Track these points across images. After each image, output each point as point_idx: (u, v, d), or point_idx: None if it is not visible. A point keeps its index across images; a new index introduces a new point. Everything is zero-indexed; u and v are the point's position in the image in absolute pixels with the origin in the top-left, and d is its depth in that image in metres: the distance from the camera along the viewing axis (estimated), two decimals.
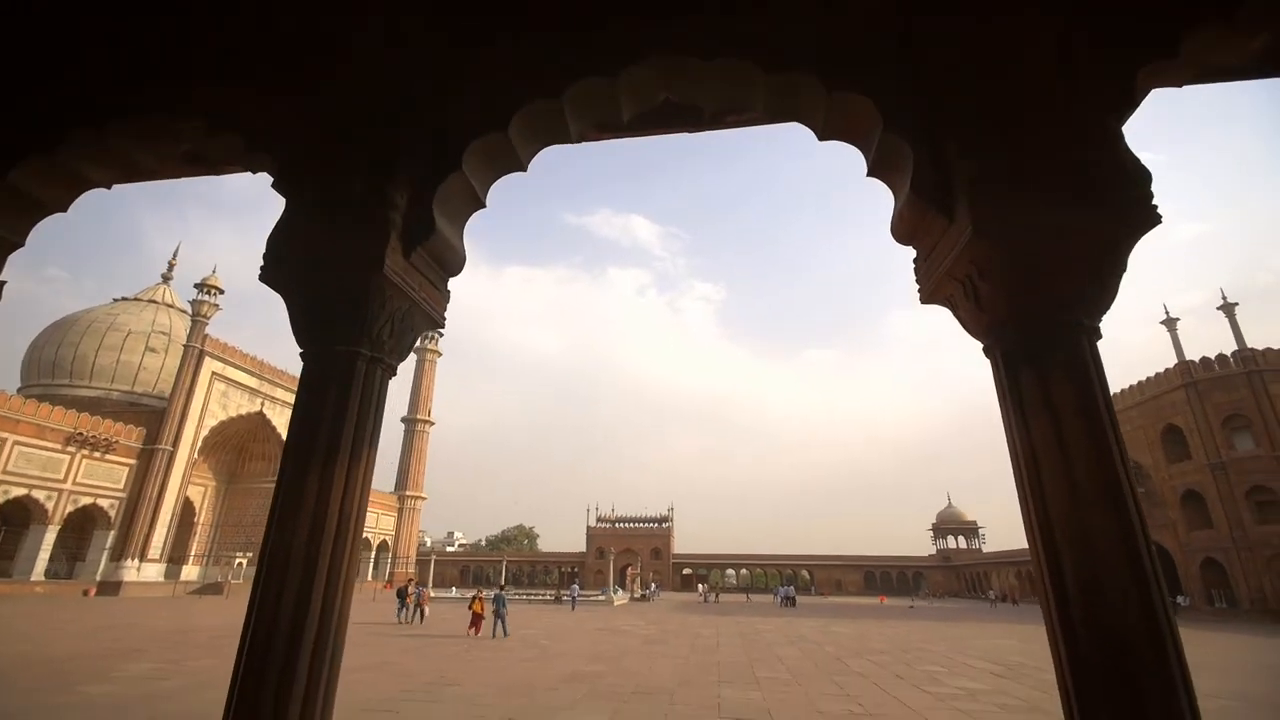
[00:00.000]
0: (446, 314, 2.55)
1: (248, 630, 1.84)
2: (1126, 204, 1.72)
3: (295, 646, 1.79)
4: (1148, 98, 1.98)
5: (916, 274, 2.22)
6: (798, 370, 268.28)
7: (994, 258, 1.78)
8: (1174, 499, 35.94)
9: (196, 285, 43.12)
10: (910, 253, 2.28)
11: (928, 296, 2.16)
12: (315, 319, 2.14)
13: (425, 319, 2.39)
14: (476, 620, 19.34)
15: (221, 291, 43.49)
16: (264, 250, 2.19)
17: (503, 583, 30.98)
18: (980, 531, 75.54)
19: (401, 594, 24.20)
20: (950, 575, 73.55)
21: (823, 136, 2.35)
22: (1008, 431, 1.83)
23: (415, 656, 14.26)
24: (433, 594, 29.59)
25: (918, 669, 13.70)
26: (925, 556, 77.16)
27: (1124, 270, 1.76)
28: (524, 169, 2.55)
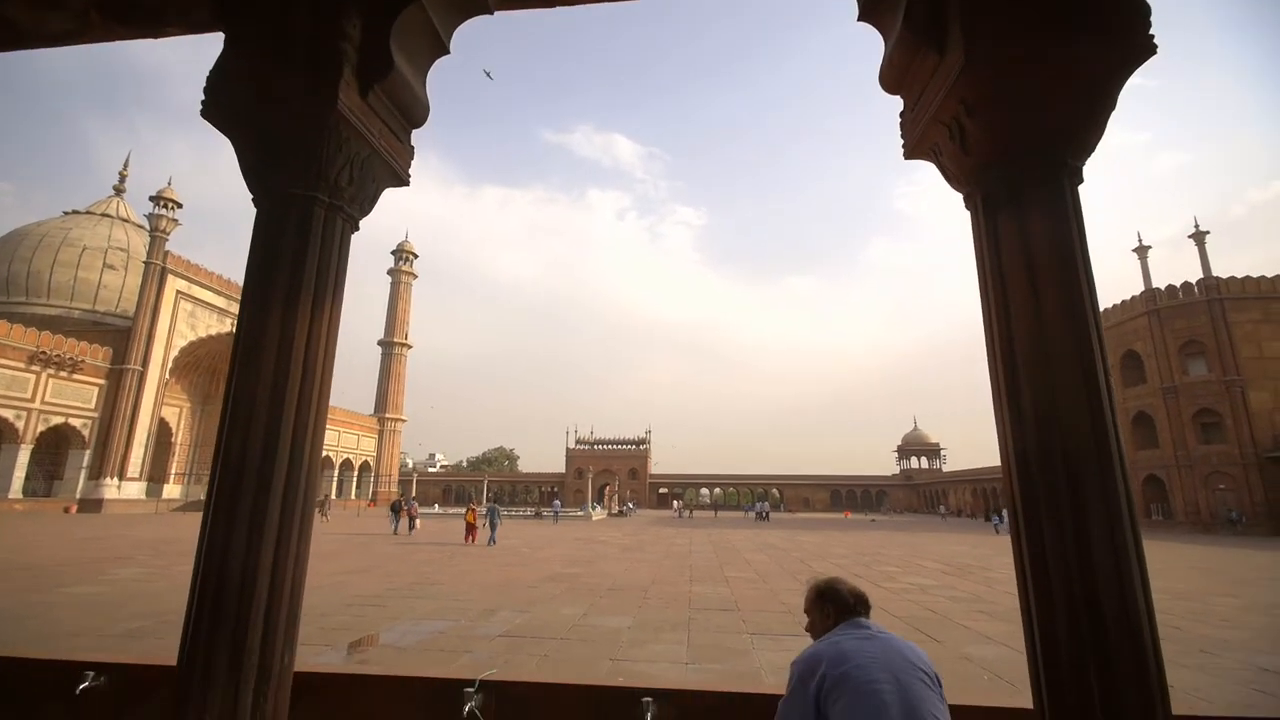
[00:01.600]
0: (410, 171, 2.42)
1: (214, 477, 1.83)
2: (1125, 33, 1.64)
3: (265, 488, 1.79)
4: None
5: (902, 128, 2.14)
6: (775, 297, 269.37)
7: (984, 89, 1.70)
8: (1125, 420, 37.82)
9: (152, 198, 40.70)
10: (893, 136, 2.19)
11: (912, 150, 2.09)
12: (266, 159, 2.00)
13: (387, 171, 2.26)
14: (471, 529, 20.74)
15: (179, 205, 41.21)
16: (204, 86, 2.01)
17: (494, 498, 32.00)
18: (942, 452, 79.24)
19: (395, 508, 25.73)
20: (911, 493, 77.66)
21: None
22: (981, 279, 1.83)
23: (402, 561, 14.80)
24: (420, 510, 30.68)
25: (875, 569, 14.68)
26: (889, 476, 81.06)
27: (1113, 107, 1.71)
28: (490, 11, 2.34)
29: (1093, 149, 1.74)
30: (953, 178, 1.95)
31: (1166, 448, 35.66)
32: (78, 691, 2.48)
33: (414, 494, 51.11)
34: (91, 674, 2.53)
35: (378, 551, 17.09)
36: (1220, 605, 10.33)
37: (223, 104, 1.99)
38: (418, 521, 25.15)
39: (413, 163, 2.42)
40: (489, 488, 65.13)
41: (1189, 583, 13.21)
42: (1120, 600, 1.50)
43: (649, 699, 2.26)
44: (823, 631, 1.85)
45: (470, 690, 2.34)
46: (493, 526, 20.87)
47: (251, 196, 2.03)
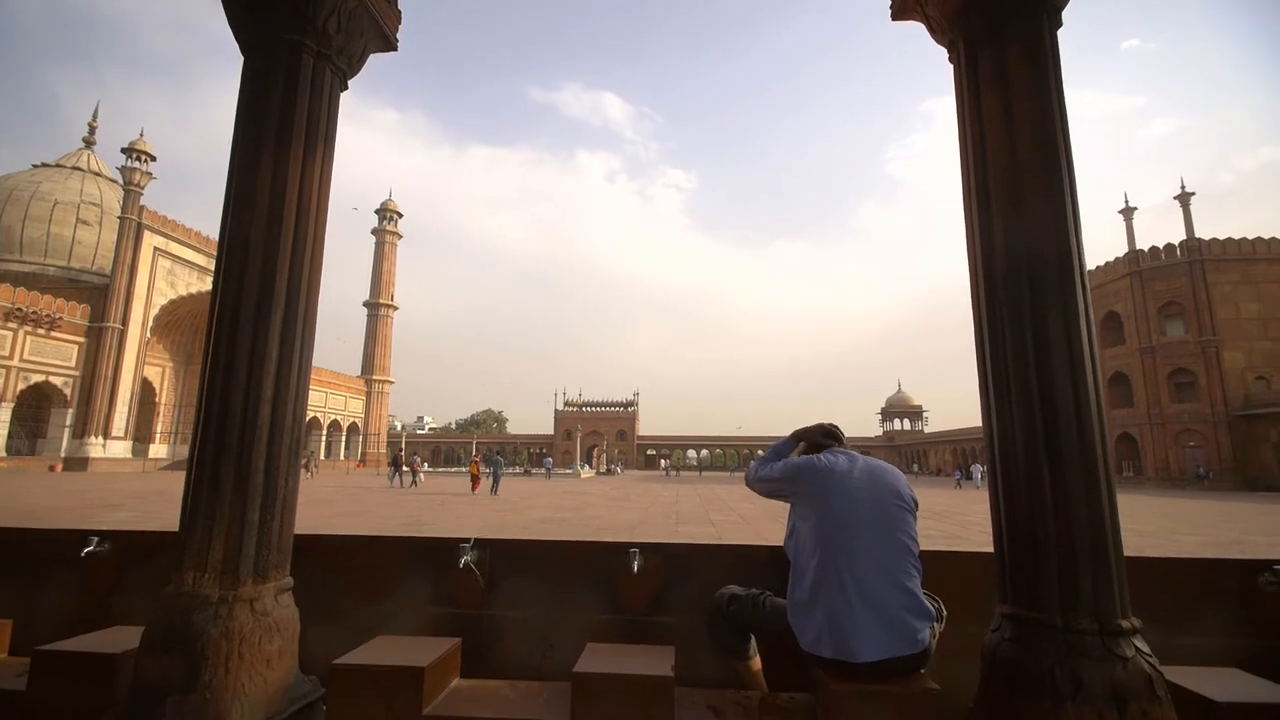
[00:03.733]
0: (399, 38, 2.40)
1: (212, 313, 1.88)
2: None
3: (264, 323, 1.84)
4: None
5: None
6: (766, 261, 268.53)
7: None
8: (1101, 380, 38.70)
9: (124, 150, 39.28)
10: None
11: (899, 8, 2.12)
12: (252, 2, 1.98)
13: (375, 29, 2.24)
14: (475, 480, 21.50)
15: (153, 158, 39.84)
16: None
17: (487, 453, 32.58)
18: (924, 415, 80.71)
19: (395, 462, 27.21)
20: (893, 453, 79.19)
21: None
22: (960, 119, 1.89)
23: (397, 507, 15.00)
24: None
25: None
26: (872, 437, 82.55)
27: None
28: None
29: None
30: (937, 29, 1.99)
31: (1141, 406, 36.57)
32: (82, 554, 2.56)
33: (403, 454, 51.59)
34: (96, 539, 2.61)
35: (371, 500, 17.30)
36: (1182, 540, 10.83)
37: None
38: (420, 476, 25.86)
39: (400, 27, 2.40)
40: (478, 449, 65.70)
41: (1155, 524, 13.80)
42: (1078, 431, 1.61)
43: (635, 550, 2.39)
44: (813, 449, 2.00)
45: (466, 546, 2.46)
46: (495, 478, 21.50)
47: (239, 44, 2.01)
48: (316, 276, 1.99)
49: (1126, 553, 1.62)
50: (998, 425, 1.67)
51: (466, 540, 2.50)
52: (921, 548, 1.91)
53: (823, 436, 2.09)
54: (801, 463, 1.95)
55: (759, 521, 12.98)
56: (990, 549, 1.86)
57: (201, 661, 1.62)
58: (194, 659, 1.62)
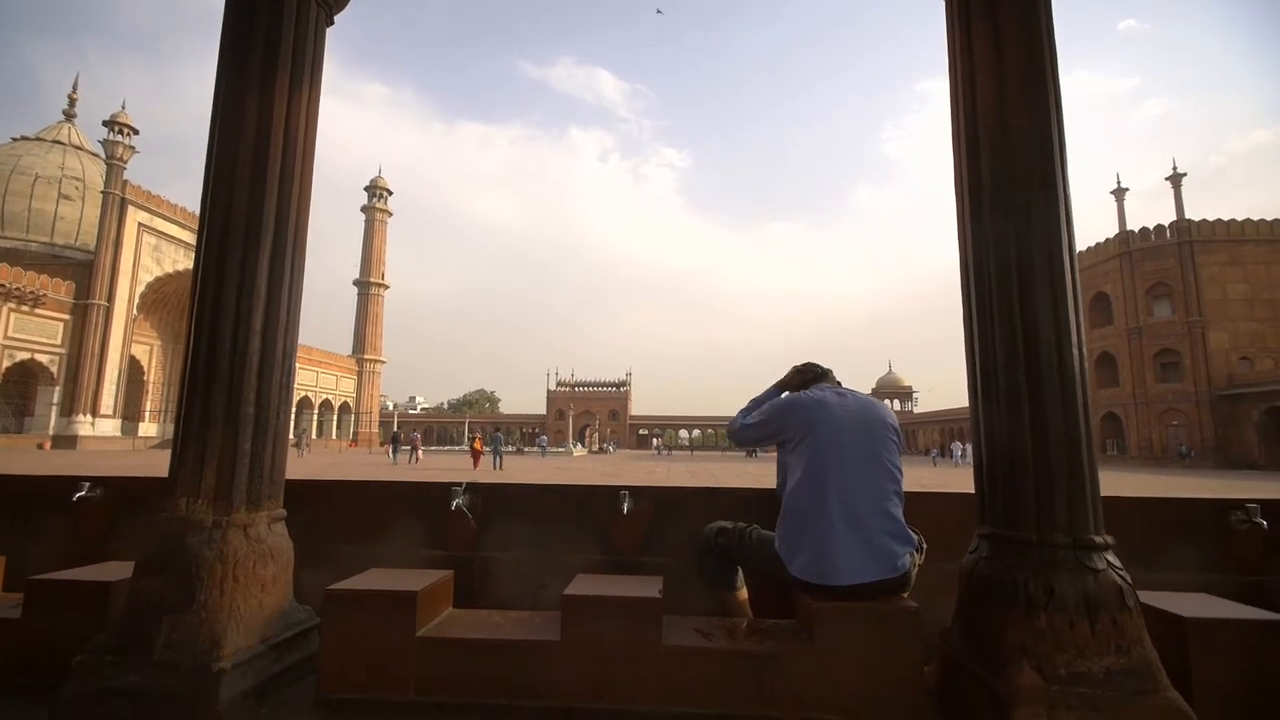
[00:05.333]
0: None
1: (200, 244, 1.87)
2: None
3: (254, 250, 1.83)
4: None
5: None
6: (760, 243, 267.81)
7: None
8: (1089, 361, 39.10)
9: (106, 123, 38.39)
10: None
11: None
12: None
13: None
14: (476, 456, 22.02)
15: (135, 131, 39.01)
16: None
17: (493, 433, 32.77)
18: (914, 395, 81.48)
19: (395, 439, 27.79)
20: None
21: None
22: (950, 56, 1.89)
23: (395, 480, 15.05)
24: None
25: None
26: None
27: None
28: None
29: None
30: None
31: (1127, 385, 37.04)
32: (74, 499, 2.57)
33: (401, 433, 51.59)
34: (88, 485, 2.62)
35: (366, 474, 17.34)
36: None
37: None
38: (419, 453, 26.34)
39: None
40: (470, 429, 65.69)
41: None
42: (1057, 354, 1.64)
43: (625, 492, 2.43)
44: (799, 388, 2.03)
45: (458, 489, 2.48)
46: (497, 454, 21.98)
47: None
48: (305, 210, 1.98)
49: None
50: (980, 351, 1.70)
51: (459, 484, 2.52)
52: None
53: (808, 375, 2.11)
54: (788, 398, 1.99)
55: None
56: (971, 491, 1.91)
57: (196, 583, 1.64)
58: (189, 580, 1.64)
